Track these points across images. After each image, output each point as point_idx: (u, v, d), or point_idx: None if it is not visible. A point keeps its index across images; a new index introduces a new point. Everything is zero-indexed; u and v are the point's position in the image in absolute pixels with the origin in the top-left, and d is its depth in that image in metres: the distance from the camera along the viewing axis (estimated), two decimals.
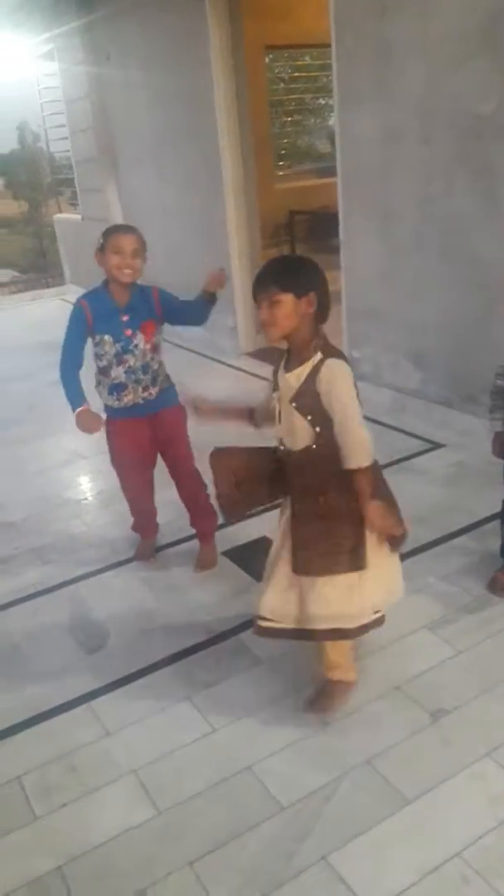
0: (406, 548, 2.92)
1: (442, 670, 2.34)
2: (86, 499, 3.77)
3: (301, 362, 1.99)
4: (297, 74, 11.48)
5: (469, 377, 3.84)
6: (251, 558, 3.04)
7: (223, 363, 5.70)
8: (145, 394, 2.75)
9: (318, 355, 1.97)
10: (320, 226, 9.23)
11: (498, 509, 2.88)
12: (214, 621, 2.68)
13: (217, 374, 5.49)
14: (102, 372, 2.73)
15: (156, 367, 2.77)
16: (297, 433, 2.02)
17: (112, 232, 2.64)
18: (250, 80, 5.60)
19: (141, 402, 2.76)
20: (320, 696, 2.24)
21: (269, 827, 1.89)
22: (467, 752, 2.04)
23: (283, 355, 2.08)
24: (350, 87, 4.09)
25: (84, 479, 4.03)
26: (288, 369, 2.02)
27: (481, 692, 2.24)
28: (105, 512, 3.59)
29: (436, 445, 3.88)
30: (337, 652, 2.19)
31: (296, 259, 2.10)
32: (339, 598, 2.04)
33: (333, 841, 1.83)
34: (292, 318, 1.95)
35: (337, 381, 1.94)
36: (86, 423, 2.70)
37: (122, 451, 2.89)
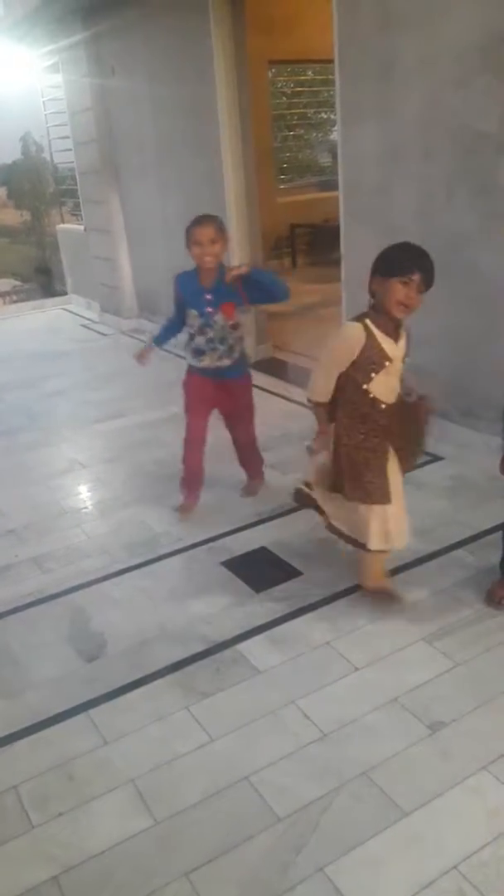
0: (404, 560, 2.94)
1: (439, 682, 2.35)
2: (85, 508, 3.78)
3: (399, 332, 2.42)
4: (299, 89, 11.59)
5: (468, 391, 3.86)
6: (250, 569, 3.05)
7: None
8: (219, 362, 3.21)
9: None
10: (321, 239, 9.32)
11: (497, 522, 2.89)
12: (213, 631, 2.69)
13: None
14: (190, 337, 3.23)
15: (232, 341, 3.20)
16: (395, 388, 2.48)
17: (190, 227, 3.06)
18: (253, 94, 5.65)
19: (214, 367, 3.23)
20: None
21: (266, 838, 1.89)
22: (464, 765, 2.04)
23: (368, 332, 2.35)
24: (352, 102, 4.13)
25: (84, 487, 4.04)
26: (396, 338, 2.40)
27: (479, 705, 2.24)
28: (104, 521, 3.59)
29: (434, 458, 3.89)
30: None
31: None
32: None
33: (330, 853, 1.83)
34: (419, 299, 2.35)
35: None
36: (139, 356, 3.43)
37: (190, 399, 3.37)
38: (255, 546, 3.22)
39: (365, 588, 2.79)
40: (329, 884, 1.76)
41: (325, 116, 12.51)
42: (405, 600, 2.70)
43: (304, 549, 3.15)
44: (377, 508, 2.53)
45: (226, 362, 3.22)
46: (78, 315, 8.65)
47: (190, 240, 3.05)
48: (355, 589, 2.84)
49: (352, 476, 2.54)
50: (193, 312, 3.16)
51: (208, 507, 3.58)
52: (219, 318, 3.13)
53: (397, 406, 2.51)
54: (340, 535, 2.73)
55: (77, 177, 8.04)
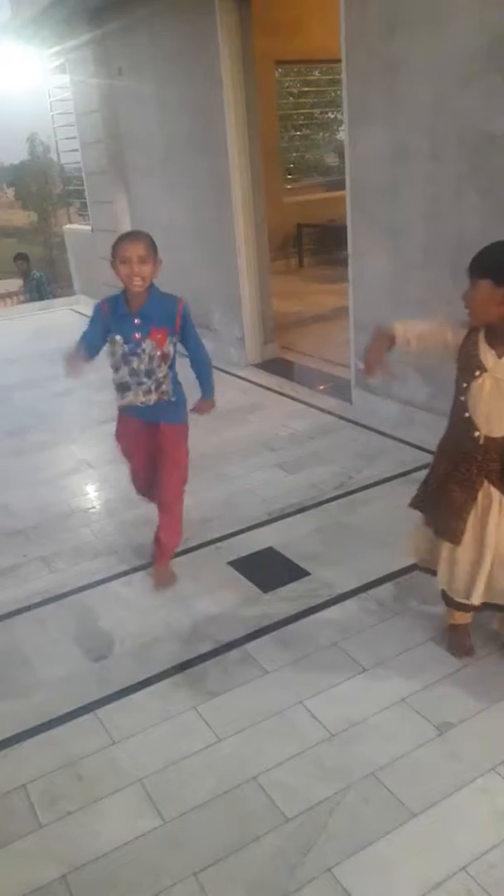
0: (412, 560, 2.93)
1: (448, 683, 2.34)
2: (93, 508, 3.79)
3: None
4: (306, 89, 11.60)
5: None
6: (257, 569, 3.05)
7: (230, 374, 5.72)
8: (145, 398, 2.81)
9: None
10: (328, 239, 9.32)
11: None
12: (221, 631, 2.69)
13: (224, 384, 5.51)
14: (113, 369, 2.84)
15: (160, 375, 2.79)
16: (502, 418, 2.05)
17: (118, 243, 2.69)
18: (260, 94, 5.65)
19: (140, 405, 2.82)
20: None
21: (274, 838, 1.89)
22: (473, 766, 2.04)
23: (473, 334, 2.06)
24: (359, 103, 4.13)
25: (91, 487, 4.05)
26: (501, 352, 2.01)
27: (487, 706, 2.24)
28: (112, 521, 3.60)
29: None
30: None
31: None
32: None
33: (338, 854, 1.83)
34: (489, 306, 1.95)
35: None
36: (69, 362, 2.79)
37: (124, 447, 3.07)
38: (263, 546, 3.22)
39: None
40: (337, 885, 1.76)
41: (331, 116, 12.52)
42: (467, 655, 2.45)
43: (311, 550, 3.15)
44: (448, 545, 2.24)
45: (153, 398, 2.81)
46: (85, 315, 8.66)
47: (116, 257, 2.66)
48: (363, 589, 2.84)
49: (433, 499, 2.27)
50: (118, 339, 2.76)
51: (216, 506, 3.58)
52: (147, 345, 2.75)
53: None
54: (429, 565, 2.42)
55: (84, 177, 8.06)
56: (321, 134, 13.85)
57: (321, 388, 5.20)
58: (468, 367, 2.06)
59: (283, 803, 1.98)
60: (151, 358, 2.77)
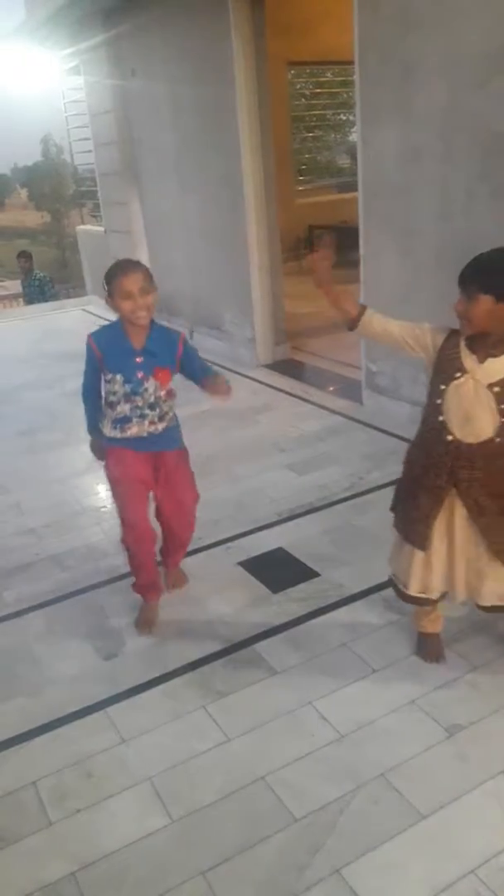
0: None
1: (457, 685, 2.33)
2: (104, 507, 3.80)
3: (490, 352, 1.97)
4: (318, 90, 11.59)
5: None
6: (267, 569, 3.05)
7: (241, 374, 5.73)
8: (151, 428, 2.61)
9: None
10: (339, 240, 9.29)
11: None
12: (230, 631, 2.69)
13: (234, 384, 5.49)
14: (109, 405, 2.61)
15: (165, 408, 2.63)
16: (479, 423, 2.00)
17: (114, 276, 2.45)
18: (272, 95, 5.66)
19: (146, 435, 2.62)
20: None
21: (282, 838, 1.89)
22: (482, 769, 2.03)
23: (454, 337, 2.03)
24: (372, 104, 4.13)
25: (102, 486, 4.05)
26: (488, 354, 1.98)
27: (497, 708, 2.23)
28: None
29: None
30: None
31: None
32: None
33: (346, 855, 1.83)
34: (489, 319, 1.92)
35: None
36: (98, 451, 2.81)
37: (121, 479, 2.67)
38: (272, 547, 3.23)
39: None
40: (345, 886, 1.76)
41: (343, 118, 12.51)
42: (437, 661, 2.44)
43: (320, 550, 3.15)
44: (418, 551, 2.22)
45: (159, 427, 2.61)
46: (98, 316, 8.70)
47: (116, 292, 2.42)
48: (373, 590, 2.83)
49: (401, 506, 2.28)
50: (117, 378, 2.53)
51: (226, 507, 3.59)
52: (150, 384, 2.54)
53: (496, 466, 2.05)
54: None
55: (97, 178, 8.10)
56: (333, 135, 13.84)
57: (331, 389, 5.20)
58: (447, 369, 2.03)
59: (291, 803, 1.98)
60: (155, 397, 2.58)
